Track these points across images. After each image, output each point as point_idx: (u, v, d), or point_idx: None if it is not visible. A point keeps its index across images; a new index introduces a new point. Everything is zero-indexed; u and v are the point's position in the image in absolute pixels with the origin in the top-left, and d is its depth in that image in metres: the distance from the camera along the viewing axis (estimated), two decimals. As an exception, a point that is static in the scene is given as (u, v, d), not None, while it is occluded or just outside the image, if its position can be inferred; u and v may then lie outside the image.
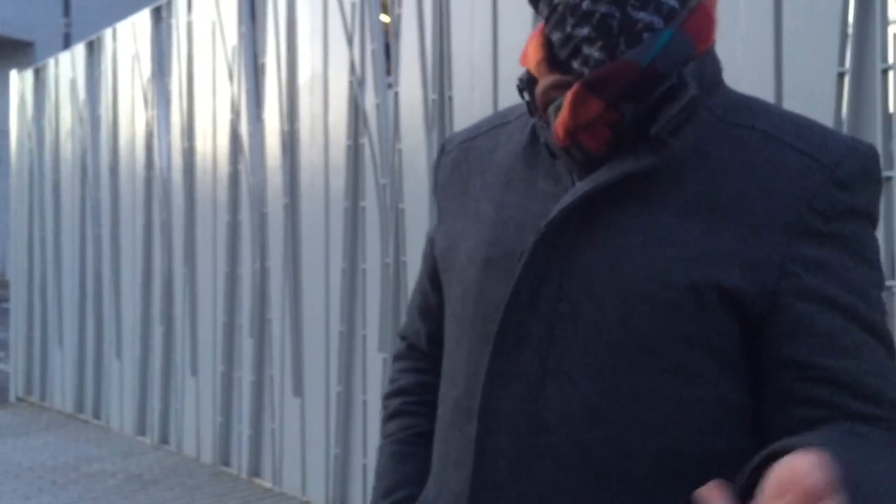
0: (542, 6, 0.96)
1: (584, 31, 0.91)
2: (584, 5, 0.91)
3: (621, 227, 0.92)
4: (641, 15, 0.90)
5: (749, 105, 0.97)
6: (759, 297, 0.89)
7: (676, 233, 0.90)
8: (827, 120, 2.53)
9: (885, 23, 2.48)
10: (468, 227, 1.03)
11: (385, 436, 1.17)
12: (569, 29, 0.93)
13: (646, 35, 0.91)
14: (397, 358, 1.23)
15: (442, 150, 1.15)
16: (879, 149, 2.45)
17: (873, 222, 0.94)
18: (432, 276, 1.12)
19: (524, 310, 0.94)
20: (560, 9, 0.93)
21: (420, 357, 1.19)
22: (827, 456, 0.65)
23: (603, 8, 0.90)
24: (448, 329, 1.05)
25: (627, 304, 0.90)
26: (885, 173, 2.45)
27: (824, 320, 0.89)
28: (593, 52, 0.92)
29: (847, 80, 2.53)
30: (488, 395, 0.94)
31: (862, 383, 0.88)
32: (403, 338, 1.23)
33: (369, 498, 1.19)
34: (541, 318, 0.93)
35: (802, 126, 0.95)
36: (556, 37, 0.95)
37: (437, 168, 1.15)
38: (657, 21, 0.91)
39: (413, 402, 1.17)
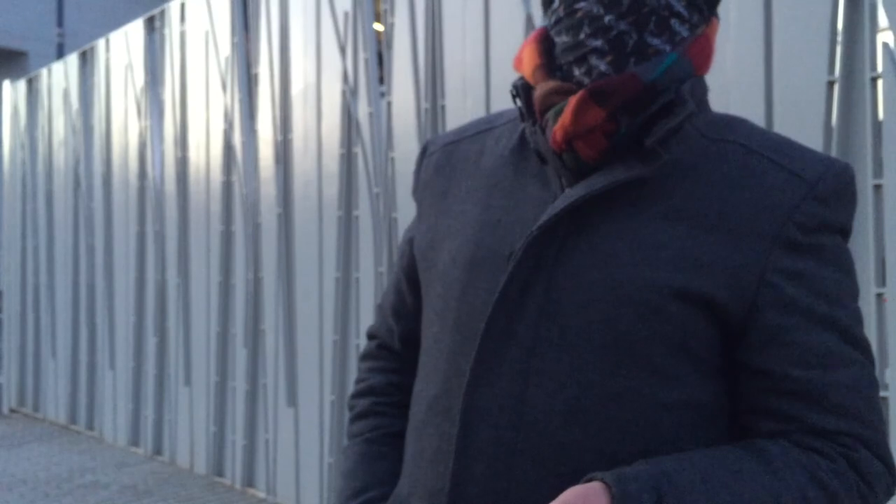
0: (557, 6, 0.98)
1: (598, 42, 0.94)
2: (607, 19, 0.93)
3: (609, 233, 0.94)
4: (655, 41, 0.94)
5: (731, 122, 1.01)
6: (738, 306, 0.91)
7: (662, 240, 0.92)
8: (817, 128, 2.55)
9: (874, 31, 2.49)
10: (451, 228, 1.04)
11: (353, 435, 1.16)
12: (582, 37, 0.95)
13: (654, 58, 0.94)
14: (366, 357, 1.22)
15: (424, 151, 1.16)
16: (868, 156, 2.47)
17: (847, 237, 0.98)
18: (410, 275, 1.12)
19: (512, 309, 0.95)
20: (579, 15, 0.95)
21: (391, 356, 1.18)
22: (601, 488, 0.85)
23: (623, 26, 0.93)
24: (427, 328, 1.05)
25: (612, 307, 0.92)
26: (874, 181, 2.46)
27: (799, 331, 0.91)
28: (600, 64, 0.94)
29: (837, 88, 2.54)
30: (471, 393, 0.95)
31: (829, 396, 0.91)
32: (373, 337, 1.22)
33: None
34: (528, 319, 0.94)
35: (782, 143, 0.98)
36: (563, 40, 0.97)
37: (418, 168, 1.15)
38: (668, 48, 0.95)
39: (384, 402, 1.16)
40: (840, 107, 2.53)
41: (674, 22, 0.94)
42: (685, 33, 0.96)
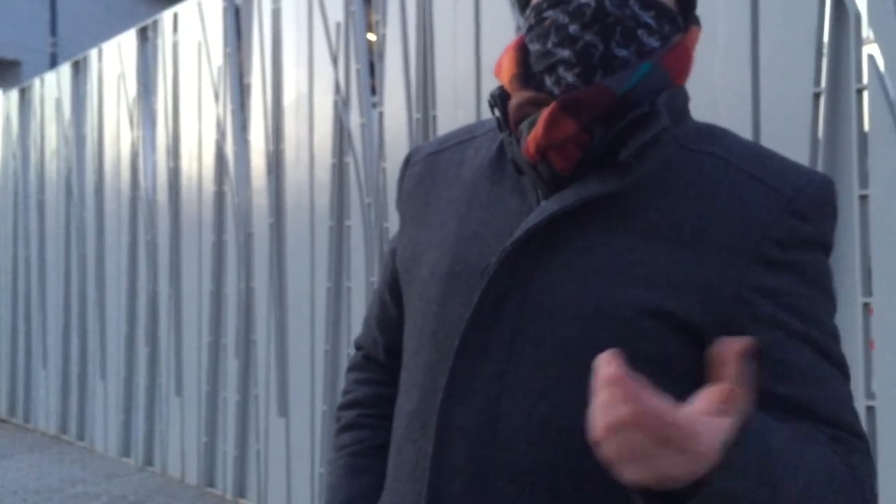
0: (529, 13, 0.97)
1: (565, 53, 0.93)
2: (571, 29, 0.92)
3: (585, 248, 0.93)
4: (623, 53, 0.92)
5: (712, 133, 0.99)
6: (715, 324, 0.90)
7: (638, 256, 0.91)
8: (803, 139, 2.57)
9: (860, 43, 2.52)
10: (431, 240, 1.03)
11: (339, 448, 1.16)
12: (549, 45, 0.94)
13: (627, 69, 0.92)
14: (352, 368, 1.22)
15: (407, 162, 1.15)
16: (854, 167, 2.49)
17: (828, 252, 0.96)
18: (392, 287, 1.11)
19: (486, 325, 0.94)
20: (546, 23, 0.94)
21: (377, 368, 1.18)
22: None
23: (588, 37, 0.92)
24: (407, 341, 1.05)
25: (588, 324, 0.90)
26: (860, 191, 2.48)
27: (779, 348, 0.90)
28: (568, 76, 0.93)
29: (823, 99, 2.56)
30: (446, 410, 0.94)
31: (816, 409, 0.89)
32: (359, 348, 1.22)
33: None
34: (501, 334, 0.93)
35: (762, 156, 0.97)
36: (534, 48, 0.96)
37: (401, 179, 1.14)
38: (635, 60, 0.93)
39: (369, 414, 1.15)
40: (826, 118, 2.55)
41: (641, 33, 0.92)
42: (655, 44, 0.94)
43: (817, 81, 2.58)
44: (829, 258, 0.96)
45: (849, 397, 0.93)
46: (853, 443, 0.90)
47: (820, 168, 2.51)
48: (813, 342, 0.91)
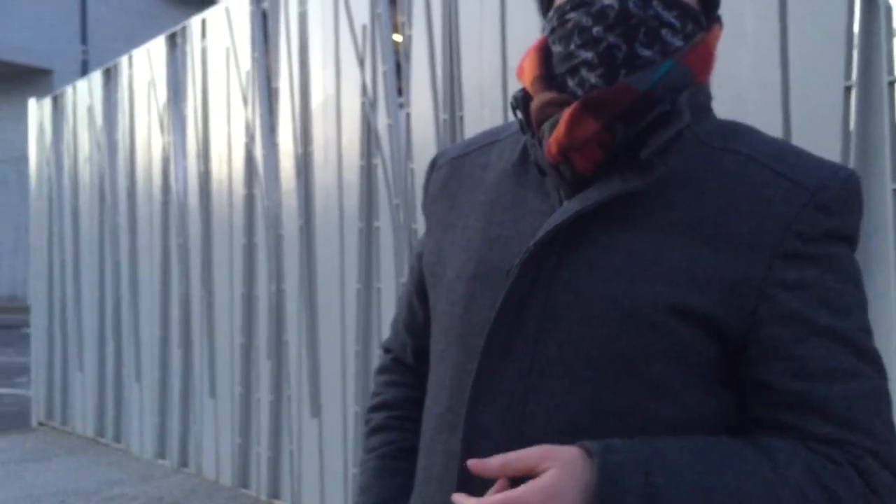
0: (552, 16, 0.98)
1: (589, 55, 0.93)
2: (595, 31, 0.92)
3: (607, 247, 0.93)
4: (646, 53, 0.92)
5: (736, 130, 0.99)
6: (738, 321, 0.90)
7: (660, 254, 0.91)
8: (834, 133, 2.54)
9: (891, 35, 2.49)
10: (456, 243, 1.04)
11: (368, 450, 1.17)
12: (572, 47, 0.94)
13: (648, 67, 0.92)
14: (381, 371, 1.23)
15: (433, 165, 1.16)
16: (887, 160, 2.46)
17: (853, 246, 0.95)
18: (419, 290, 1.13)
19: (511, 326, 0.94)
20: (569, 25, 0.94)
21: (405, 371, 1.19)
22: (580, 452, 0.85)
23: (612, 38, 0.92)
24: (434, 344, 1.06)
25: (611, 322, 0.90)
26: (893, 185, 2.45)
27: (800, 343, 0.89)
28: (591, 77, 0.93)
29: (854, 93, 2.53)
30: (473, 410, 0.95)
31: (832, 409, 0.88)
32: (388, 350, 1.24)
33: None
34: (526, 335, 0.94)
35: (785, 151, 0.96)
36: (557, 50, 0.97)
37: (427, 182, 1.15)
38: (660, 59, 0.93)
39: (398, 416, 1.17)
40: (858, 112, 2.52)
41: (665, 32, 0.93)
42: (679, 43, 0.94)
43: (848, 75, 2.55)
44: (854, 251, 0.95)
45: (875, 392, 0.90)
46: (857, 451, 0.88)
47: (852, 162, 2.48)
48: (839, 335, 0.89)
